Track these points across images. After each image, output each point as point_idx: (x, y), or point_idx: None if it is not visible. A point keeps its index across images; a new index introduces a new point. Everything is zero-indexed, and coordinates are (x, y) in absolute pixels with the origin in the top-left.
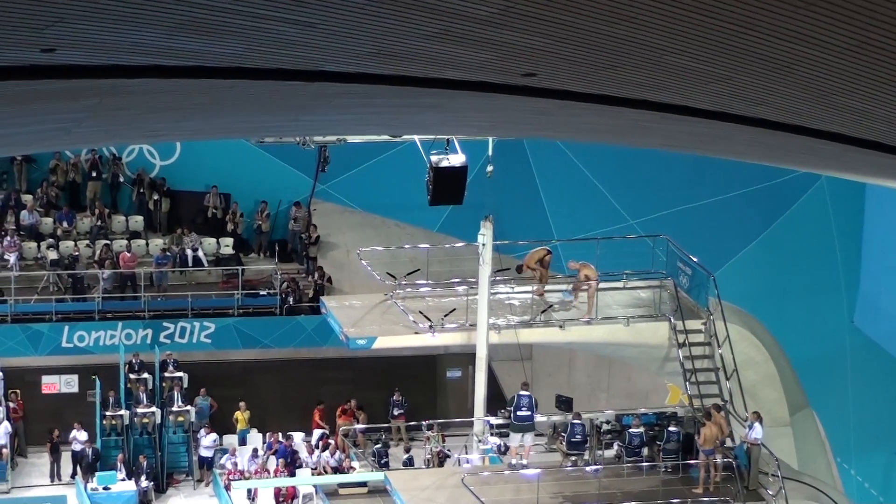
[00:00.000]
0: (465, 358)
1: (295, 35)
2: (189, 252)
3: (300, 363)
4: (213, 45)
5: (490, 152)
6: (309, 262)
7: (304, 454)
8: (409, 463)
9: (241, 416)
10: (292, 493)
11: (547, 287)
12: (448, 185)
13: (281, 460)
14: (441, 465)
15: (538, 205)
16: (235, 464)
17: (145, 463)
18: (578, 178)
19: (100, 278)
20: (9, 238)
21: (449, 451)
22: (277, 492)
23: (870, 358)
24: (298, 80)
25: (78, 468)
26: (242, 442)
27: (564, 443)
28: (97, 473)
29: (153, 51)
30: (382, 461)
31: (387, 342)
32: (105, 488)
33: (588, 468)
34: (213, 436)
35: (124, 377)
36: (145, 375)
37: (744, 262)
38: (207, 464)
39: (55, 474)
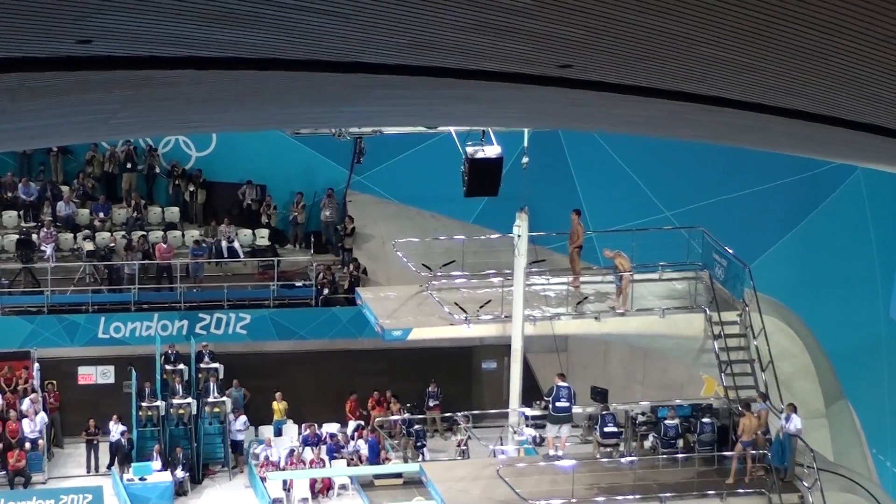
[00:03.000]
0: (501, 349)
1: (331, 26)
2: (224, 243)
3: (336, 354)
4: (249, 37)
5: (526, 143)
6: (344, 253)
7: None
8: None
9: (278, 406)
10: (328, 484)
11: (582, 279)
12: (483, 177)
13: (316, 449)
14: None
15: (574, 196)
16: (268, 457)
17: (181, 454)
18: (614, 170)
19: (132, 267)
20: (45, 229)
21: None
22: (313, 483)
23: None
24: (334, 71)
25: (115, 459)
26: (278, 433)
27: (598, 433)
28: (133, 464)
29: (189, 42)
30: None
31: (422, 333)
32: (141, 479)
33: (623, 460)
34: (243, 418)
35: (160, 368)
36: (181, 366)
37: (779, 253)
38: (240, 448)
39: (92, 465)
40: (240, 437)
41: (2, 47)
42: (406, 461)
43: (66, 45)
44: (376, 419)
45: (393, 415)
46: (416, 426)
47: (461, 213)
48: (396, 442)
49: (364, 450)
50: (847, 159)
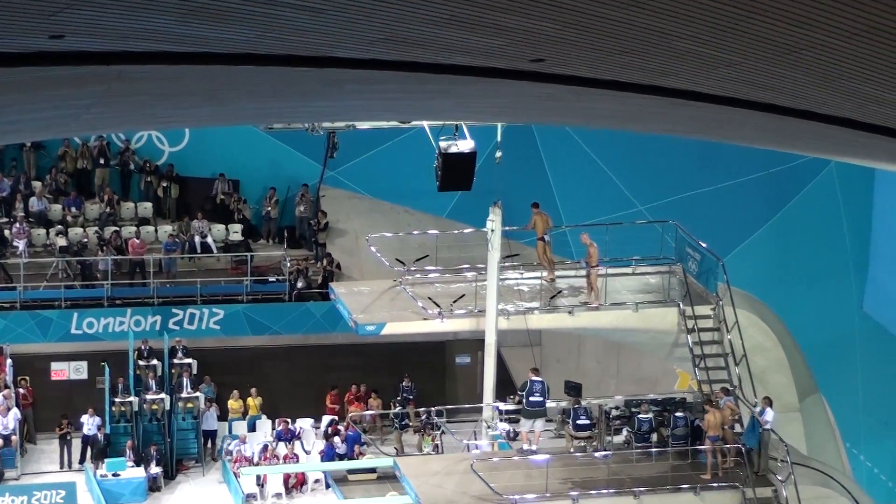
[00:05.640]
0: (475, 344)
1: (304, 21)
2: (198, 238)
3: (309, 349)
4: (222, 32)
5: (499, 138)
6: (318, 248)
7: (312, 440)
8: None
9: (252, 402)
10: (301, 480)
11: (557, 273)
12: (457, 171)
13: (290, 444)
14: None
15: (547, 190)
16: (241, 452)
17: (154, 450)
18: (587, 164)
19: (107, 264)
20: (18, 225)
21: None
22: (286, 478)
23: (879, 343)
24: (308, 66)
25: (88, 453)
26: (252, 428)
27: (571, 426)
28: (106, 460)
29: (162, 37)
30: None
31: (396, 328)
32: (114, 475)
33: (597, 454)
34: (215, 406)
35: (133, 364)
36: (154, 362)
37: (753, 247)
38: (211, 438)
39: (65, 461)
40: (211, 425)
41: None
42: (400, 453)
43: (38, 40)
44: (351, 414)
45: (371, 409)
46: (426, 416)
47: (435, 208)
48: (370, 436)
49: (340, 448)
50: (821, 153)
